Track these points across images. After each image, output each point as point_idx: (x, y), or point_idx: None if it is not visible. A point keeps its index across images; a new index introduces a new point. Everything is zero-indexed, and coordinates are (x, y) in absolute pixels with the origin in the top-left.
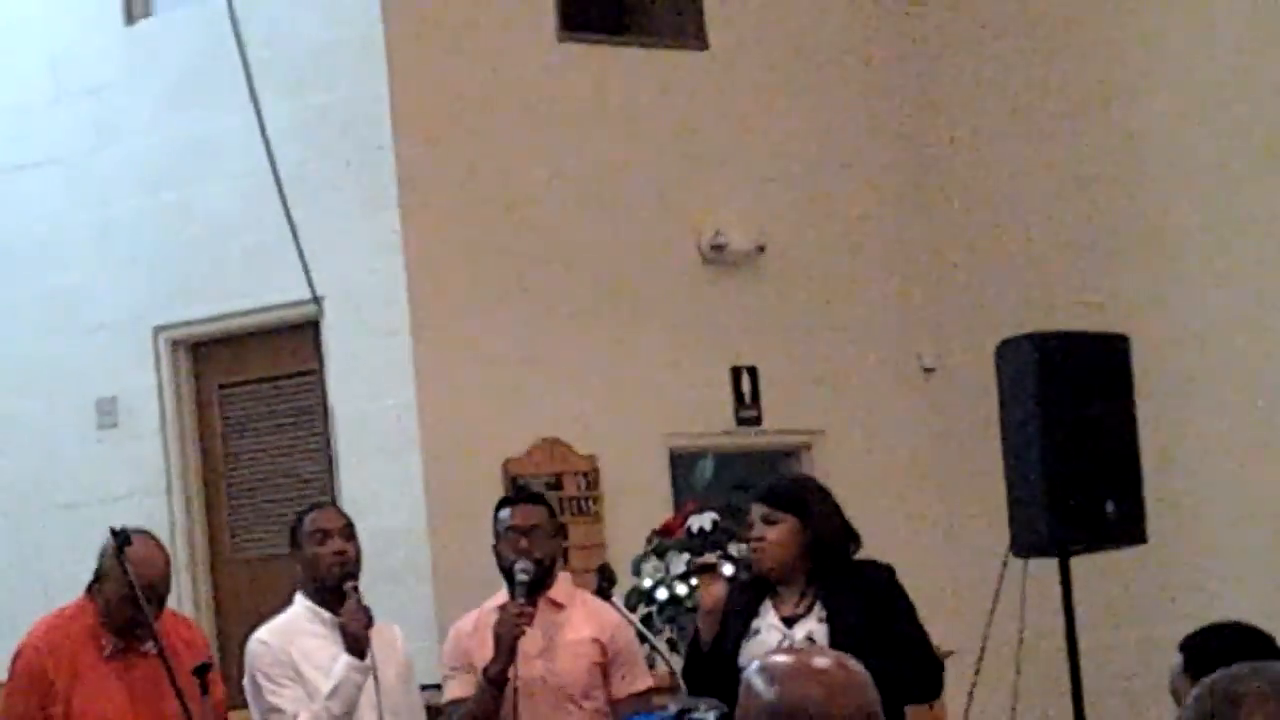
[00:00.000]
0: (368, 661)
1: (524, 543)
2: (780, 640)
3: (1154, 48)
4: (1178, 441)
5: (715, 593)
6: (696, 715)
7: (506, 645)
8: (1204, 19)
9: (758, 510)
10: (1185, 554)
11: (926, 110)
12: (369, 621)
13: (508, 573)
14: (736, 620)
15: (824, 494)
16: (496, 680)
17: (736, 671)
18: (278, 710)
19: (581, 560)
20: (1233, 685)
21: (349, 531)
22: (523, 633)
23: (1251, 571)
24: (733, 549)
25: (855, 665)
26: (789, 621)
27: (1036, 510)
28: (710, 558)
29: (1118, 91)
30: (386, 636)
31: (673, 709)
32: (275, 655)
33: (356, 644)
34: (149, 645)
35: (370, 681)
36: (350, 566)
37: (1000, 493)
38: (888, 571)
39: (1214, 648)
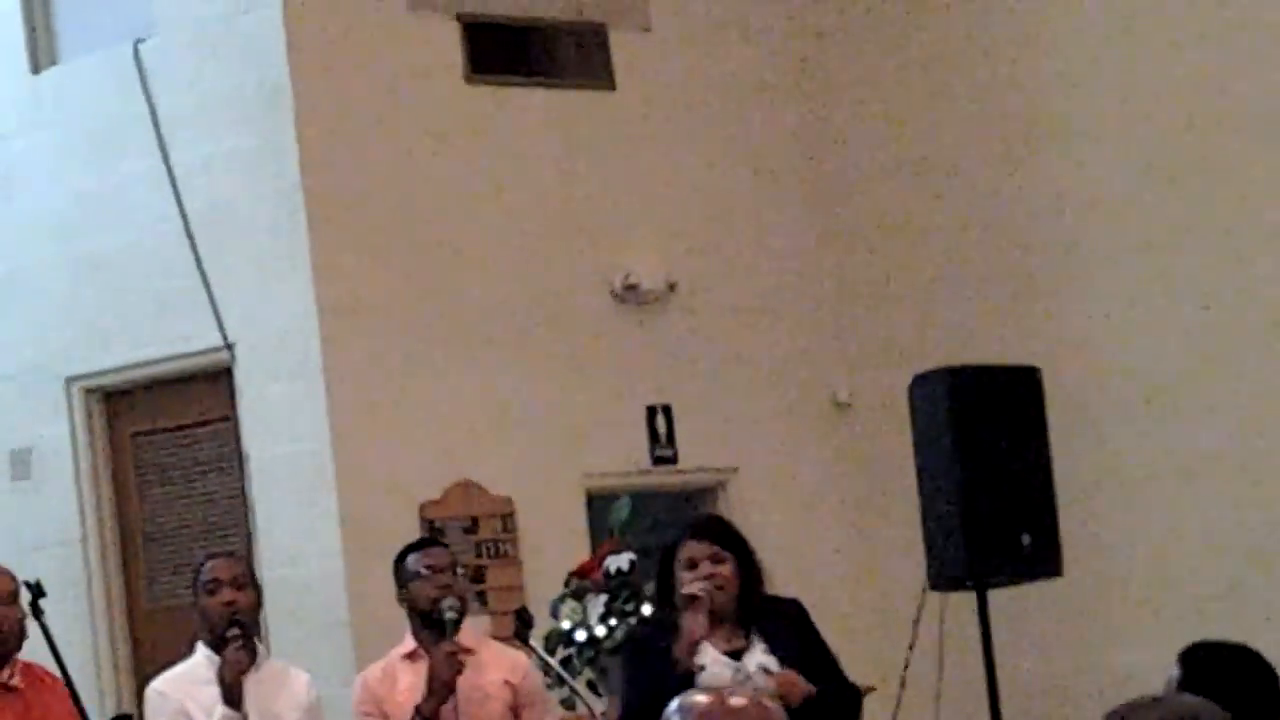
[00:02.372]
0: (243, 711)
1: (445, 579)
2: (735, 673)
3: (1063, 82)
4: (1091, 474)
5: (701, 624)
6: None
7: (443, 685)
8: (1117, 53)
9: (703, 549)
10: (1100, 586)
11: (835, 147)
12: (248, 664)
13: (427, 615)
14: (661, 661)
15: (744, 535)
16: (431, 718)
17: None
18: None
19: (499, 603)
20: (1131, 715)
21: (241, 580)
22: (460, 671)
23: (1166, 603)
24: (649, 588)
25: (771, 703)
26: (734, 655)
27: (953, 544)
28: (695, 589)
29: (1028, 125)
30: (291, 682)
31: None
32: (170, 706)
33: (229, 692)
34: (15, 679)
35: None
36: (241, 615)
37: (916, 527)
38: (797, 605)
39: (1212, 665)
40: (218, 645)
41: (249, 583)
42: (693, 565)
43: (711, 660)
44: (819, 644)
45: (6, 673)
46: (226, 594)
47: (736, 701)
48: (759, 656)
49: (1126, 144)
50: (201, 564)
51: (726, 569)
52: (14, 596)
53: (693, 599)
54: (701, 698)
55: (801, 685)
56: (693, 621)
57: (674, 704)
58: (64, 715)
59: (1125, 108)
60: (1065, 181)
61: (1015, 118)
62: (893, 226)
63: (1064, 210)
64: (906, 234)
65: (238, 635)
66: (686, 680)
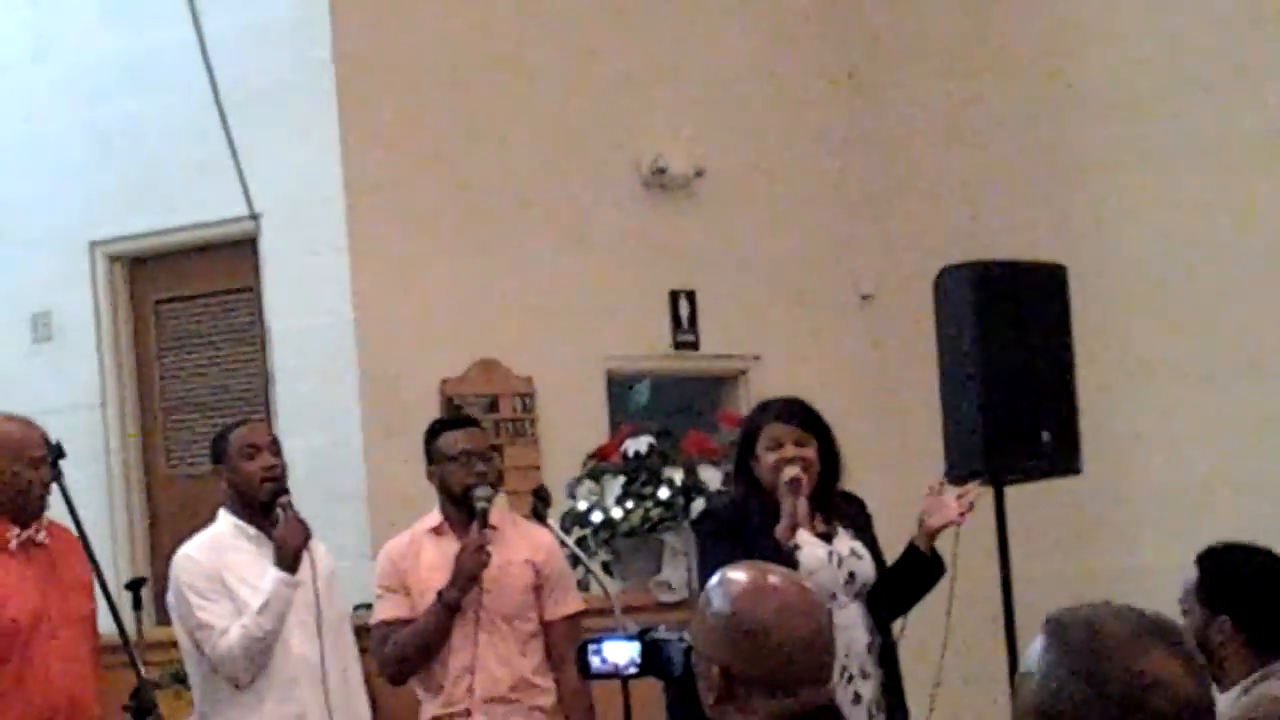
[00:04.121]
0: (298, 576)
1: (481, 466)
2: (829, 554)
3: None
4: (1114, 373)
5: (804, 505)
6: (660, 635)
7: (468, 576)
8: None
9: (788, 432)
10: (1119, 486)
11: (867, 38)
12: (307, 536)
13: (461, 496)
14: (753, 541)
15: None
16: (453, 607)
17: None
18: (207, 626)
19: (517, 482)
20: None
21: (276, 446)
22: (486, 564)
23: (1185, 503)
24: (668, 472)
25: (810, 587)
26: (824, 538)
27: (972, 438)
28: (798, 471)
29: (1063, 24)
30: (312, 551)
31: (633, 629)
32: (204, 570)
33: (291, 559)
34: (43, 535)
35: (299, 595)
36: (281, 482)
37: (936, 421)
38: (863, 502)
39: (1230, 567)
40: (250, 511)
41: (281, 450)
42: (778, 446)
43: (806, 541)
44: (877, 544)
45: (34, 527)
46: (266, 458)
47: (777, 581)
48: (848, 541)
49: (1162, 46)
50: (228, 430)
51: (810, 452)
52: (45, 458)
53: (795, 482)
54: (742, 575)
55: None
56: (794, 505)
57: (714, 579)
58: (85, 575)
59: (1163, 11)
60: (1098, 80)
61: (1050, 16)
62: (922, 120)
63: (1096, 109)
64: (936, 128)
65: (289, 503)
66: (788, 561)
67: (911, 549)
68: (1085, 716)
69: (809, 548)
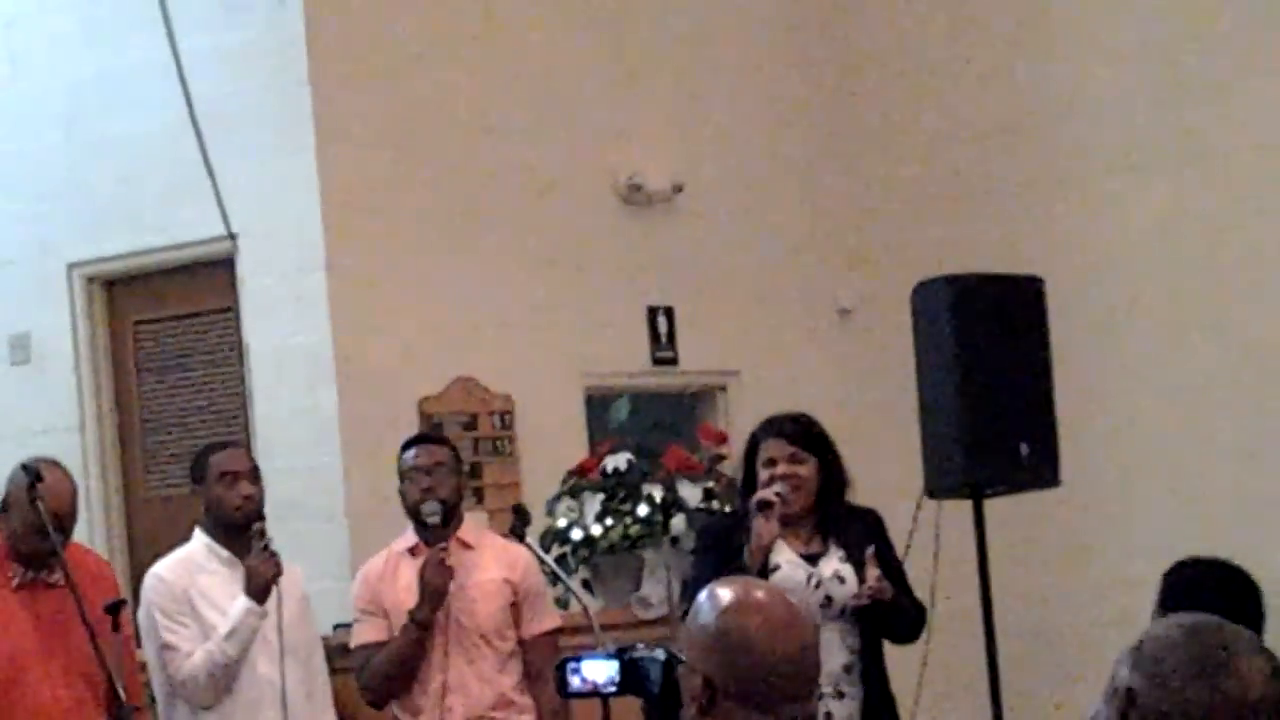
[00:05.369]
0: (266, 607)
1: (428, 482)
2: (809, 577)
3: None
4: (1092, 385)
5: (772, 530)
6: (638, 653)
7: (436, 591)
8: None
9: (782, 448)
10: (1098, 497)
11: (844, 52)
12: (278, 570)
13: (413, 513)
14: (734, 556)
15: (829, 437)
16: (425, 624)
17: None
18: (172, 648)
19: (496, 500)
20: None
21: (256, 474)
22: (452, 577)
23: (1164, 515)
24: (647, 489)
25: (796, 602)
26: (811, 559)
27: (951, 452)
28: (770, 494)
29: (1037, 32)
30: (288, 575)
31: (612, 647)
32: (172, 592)
33: (260, 590)
34: (56, 576)
35: (268, 622)
36: (258, 510)
37: (915, 435)
38: (876, 515)
39: (1188, 579)
40: (224, 535)
41: (259, 477)
42: (771, 464)
43: (786, 561)
44: (893, 558)
45: (46, 570)
46: (245, 486)
47: (763, 596)
48: (834, 564)
49: (1139, 57)
50: (207, 453)
51: (806, 469)
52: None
53: (763, 504)
54: (729, 588)
55: (886, 588)
56: (762, 527)
57: (703, 594)
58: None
59: (1133, 17)
60: (1075, 92)
61: (1024, 25)
62: (899, 133)
63: (1073, 121)
64: (913, 141)
65: (262, 531)
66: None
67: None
68: (1164, 662)
69: (788, 568)
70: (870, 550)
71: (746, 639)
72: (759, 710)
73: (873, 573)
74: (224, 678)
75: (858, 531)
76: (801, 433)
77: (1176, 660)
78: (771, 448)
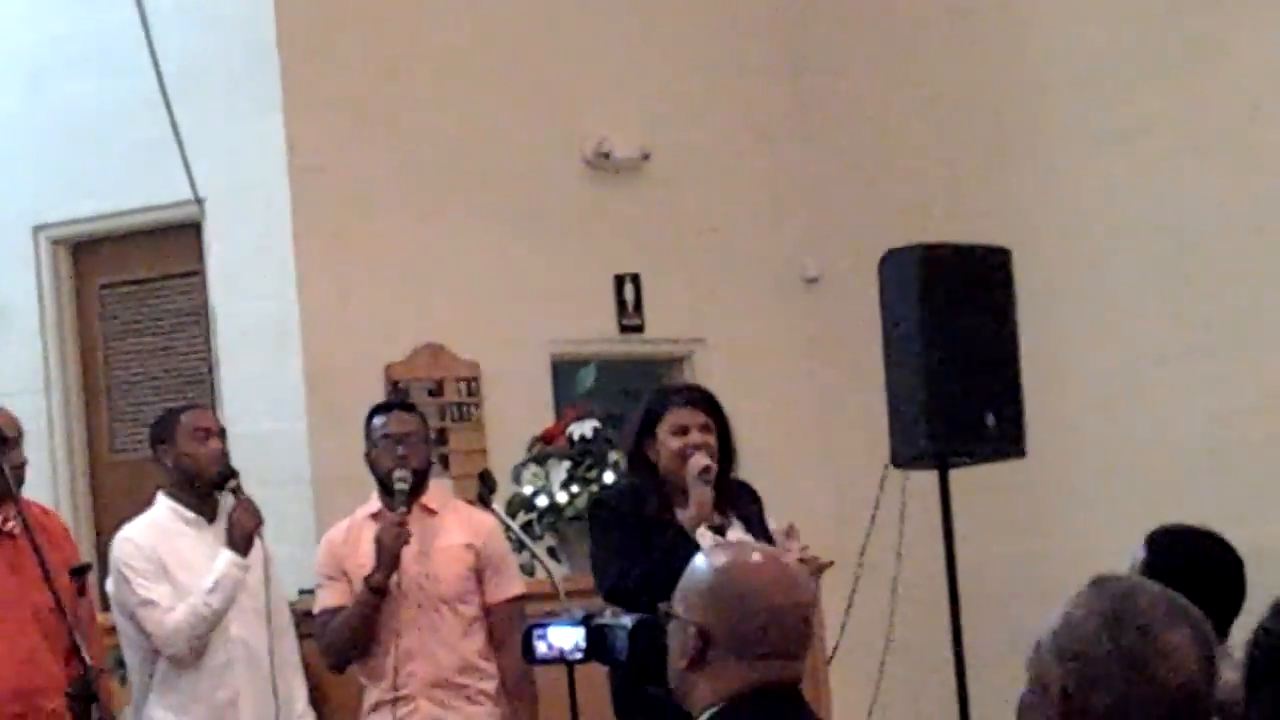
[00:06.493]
0: (249, 560)
1: (401, 450)
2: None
3: None
4: (1058, 355)
5: (710, 494)
6: (605, 620)
7: (390, 555)
8: None
9: (694, 416)
10: (1064, 468)
11: (811, 21)
12: (260, 519)
13: (383, 481)
14: (656, 529)
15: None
16: (379, 589)
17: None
18: (151, 603)
19: (462, 466)
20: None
21: (223, 433)
22: (406, 542)
23: (1128, 487)
24: (613, 456)
25: (791, 560)
26: (718, 531)
27: (916, 422)
28: (708, 461)
29: (1000, 7)
30: (262, 536)
31: (578, 614)
32: (144, 552)
33: (243, 541)
34: (13, 525)
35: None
36: (230, 465)
37: (881, 404)
38: (754, 490)
39: (1180, 548)
40: (191, 495)
41: (225, 436)
42: (683, 431)
43: (700, 534)
44: (769, 533)
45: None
46: (218, 442)
47: (759, 557)
48: (739, 534)
49: (1108, 30)
50: (175, 413)
51: (713, 440)
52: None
53: (707, 470)
54: (728, 549)
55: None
56: (705, 494)
57: (698, 557)
58: (66, 561)
59: None
60: (1043, 64)
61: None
62: (868, 103)
63: (1041, 92)
64: (881, 111)
65: (239, 486)
66: (690, 550)
67: None
68: (1091, 657)
69: (703, 539)
70: (790, 524)
71: (746, 588)
72: (751, 663)
73: (796, 544)
74: (207, 632)
75: (746, 504)
76: (709, 402)
77: (1102, 653)
78: (684, 415)
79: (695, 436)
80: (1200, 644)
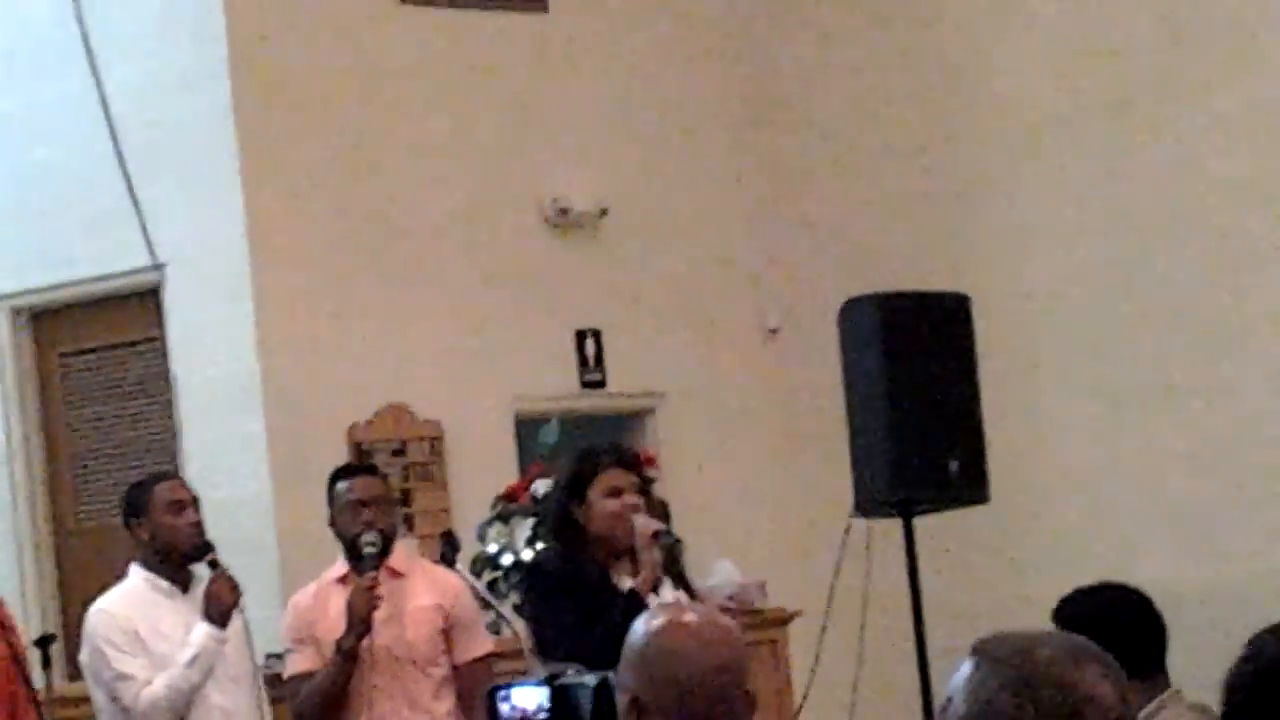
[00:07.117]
0: (227, 632)
1: (367, 515)
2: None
3: (995, 12)
4: (1020, 403)
5: (660, 557)
6: (569, 680)
7: (360, 619)
8: None
9: (628, 478)
10: (1027, 514)
11: (767, 73)
12: (239, 594)
13: (350, 545)
14: (601, 594)
15: None
16: (351, 654)
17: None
18: (128, 677)
19: (426, 526)
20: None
21: (197, 503)
22: (377, 606)
23: (1092, 532)
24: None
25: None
26: (652, 590)
27: (880, 470)
28: (658, 523)
29: (961, 51)
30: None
31: (540, 674)
32: (120, 625)
33: (221, 615)
34: None
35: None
36: (205, 537)
37: (844, 453)
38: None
39: (1082, 609)
40: (168, 567)
41: (199, 505)
42: (617, 493)
43: (651, 599)
44: (692, 588)
45: None
46: (192, 514)
47: (691, 618)
48: (670, 593)
49: (1062, 73)
50: (147, 485)
51: (642, 501)
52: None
53: (655, 535)
54: (660, 612)
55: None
56: (656, 558)
57: (639, 619)
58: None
59: (1063, 38)
60: (998, 109)
61: (949, 47)
62: (824, 153)
63: (997, 137)
64: (838, 161)
65: (215, 560)
66: (636, 613)
67: None
68: None
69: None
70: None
71: (669, 656)
72: None
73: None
74: (184, 705)
75: (669, 561)
76: (638, 463)
77: None
78: (617, 477)
79: (630, 498)
80: (1111, 672)
